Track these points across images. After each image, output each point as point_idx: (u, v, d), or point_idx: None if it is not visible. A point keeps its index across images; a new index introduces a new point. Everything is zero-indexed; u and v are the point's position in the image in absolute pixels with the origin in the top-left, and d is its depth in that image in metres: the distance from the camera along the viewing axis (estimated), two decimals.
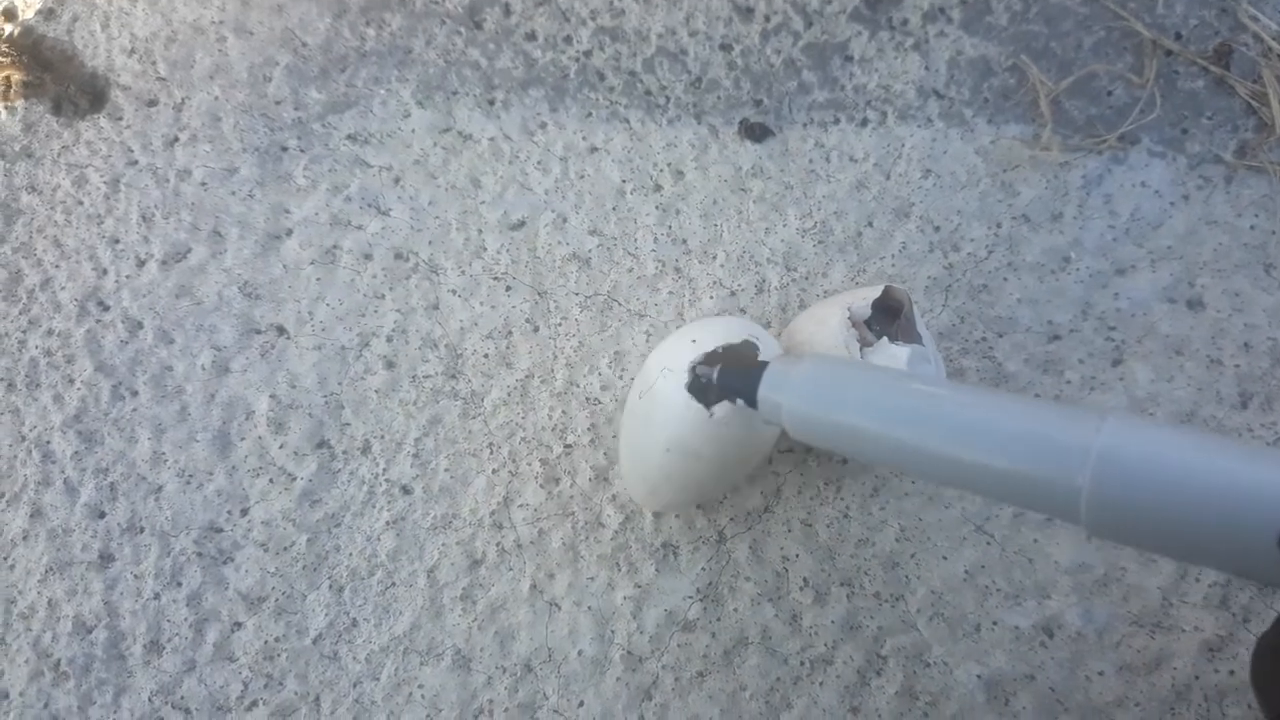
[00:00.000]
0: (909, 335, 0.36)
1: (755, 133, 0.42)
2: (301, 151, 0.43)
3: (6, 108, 0.43)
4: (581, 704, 0.36)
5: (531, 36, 0.44)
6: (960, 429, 0.23)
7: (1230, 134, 0.42)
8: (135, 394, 0.40)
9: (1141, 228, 0.41)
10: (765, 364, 0.28)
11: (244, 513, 0.39)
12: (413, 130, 0.43)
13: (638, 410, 0.33)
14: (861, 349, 0.34)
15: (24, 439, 0.40)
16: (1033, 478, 0.21)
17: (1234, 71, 0.42)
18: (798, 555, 0.38)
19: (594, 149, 0.42)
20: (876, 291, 0.36)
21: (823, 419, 0.26)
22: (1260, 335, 0.40)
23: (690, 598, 0.37)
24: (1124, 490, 0.19)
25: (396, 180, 0.42)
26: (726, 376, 0.30)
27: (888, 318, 0.37)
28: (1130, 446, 0.19)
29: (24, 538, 0.39)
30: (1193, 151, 0.42)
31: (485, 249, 0.41)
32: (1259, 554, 0.17)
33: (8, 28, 0.43)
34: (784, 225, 0.41)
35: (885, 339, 0.35)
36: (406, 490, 0.39)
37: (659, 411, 0.31)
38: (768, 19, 0.43)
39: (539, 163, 0.42)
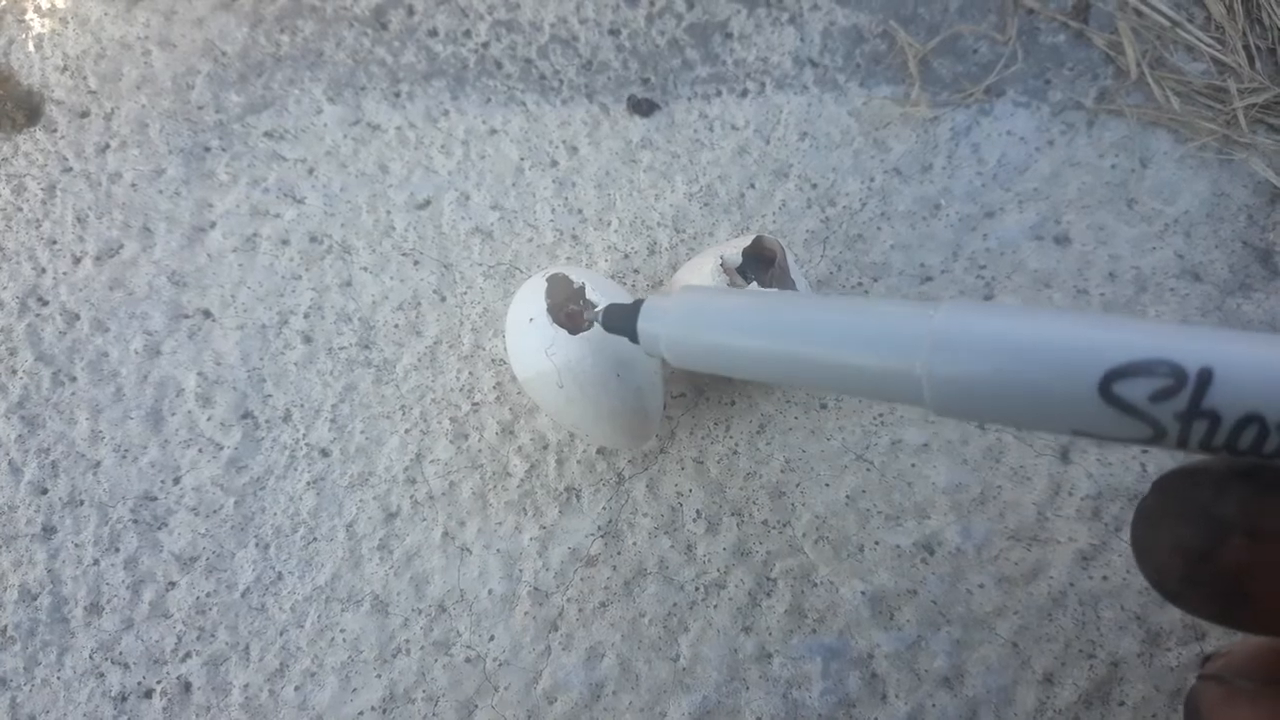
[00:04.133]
0: (783, 282, 0.44)
1: (643, 108, 0.51)
2: (223, 150, 0.52)
3: None
4: (492, 638, 0.44)
5: (433, 33, 0.53)
6: (812, 332, 0.26)
7: (1090, 82, 0.50)
8: (74, 379, 0.48)
9: (1008, 173, 0.49)
10: (641, 300, 0.34)
11: (176, 481, 0.47)
12: (325, 124, 0.52)
13: (545, 368, 0.40)
14: None
15: None
16: (879, 368, 0.24)
17: (1092, 25, 0.51)
18: (691, 490, 0.45)
19: (493, 131, 0.51)
20: (748, 241, 0.43)
21: (695, 342, 0.31)
22: (1124, 265, 0.47)
23: (592, 535, 0.45)
24: (959, 367, 0.21)
25: (310, 171, 0.51)
26: (609, 316, 0.36)
27: (762, 266, 0.44)
28: (961, 325, 0.21)
29: None
30: (1055, 100, 0.50)
31: (394, 228, 0.50)
32: (1085, 404, 0.19)
33: None
34: (672, 191, 0.50)
35: (754, 284, 0.42)
36: (325, 453, 0.47)
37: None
38: (652, 3, 0.52)
39: (442, 147, 0.51)
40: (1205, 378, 0.17)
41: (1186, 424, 0.17)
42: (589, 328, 0.39)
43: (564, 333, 0.39)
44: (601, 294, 0.40)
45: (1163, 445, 0.19)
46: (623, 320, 0.35)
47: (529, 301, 0.40)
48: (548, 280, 0.40)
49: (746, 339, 0.29)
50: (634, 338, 0.35)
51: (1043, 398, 0.20)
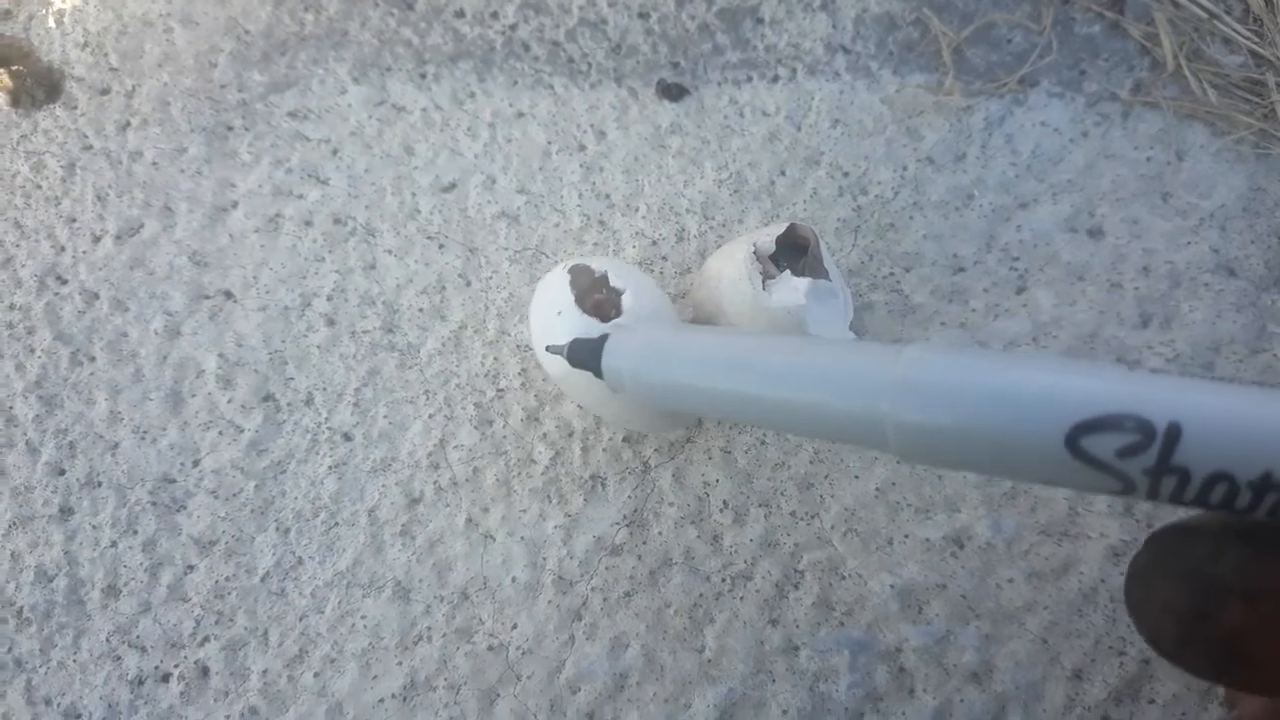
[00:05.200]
0: (816, 271, 0.43)
1: (673, 93, 0.50)
2: (246, 130, 0.51)
3: None
4: (515, 626, 0.43)
5: (460, 14, 0.52)
6: (776, 373, 0.26)
7: (1126, 73, 0.49)
8: (93, 359, 0.48)
9: (1042, 164, 0.48)
10: (605, 337, 0.34)
11: (195, 464, 0.46)
12: (349, 105, 0.51)
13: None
14: (764, 281, 0.41)
15: None
16: (843, 412, 0.24)
17: (1128, 15, 0.50)
18: (718, 480, 0.45)
19: (520, 114, 0.50)
20: (782, 228, 0.42)
21: (659, 380, 0.31)
22: (1158, 259, 0.47)
23: (617, 524, 0.44)
24: (923, 413, 0.21)
25: (334, 152, 0.50)
26: (575, 351, 0.35)
27: (795, 254, 0.44)
28: (926, 372, 0.21)
29: None
30: (1090, 91, 0.49)
31: (419, 211, 0.49)
32: (1051, 458, 0.19)
33: None
34: (701, 177, 0.49)
35: (788, 272, 0.42)
36: (347, 437, 0.46)
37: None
38: None
39: (468, 129, 0.50)
40: (1174, 434, 0.17)
41: (1155, 480, 0.17)
42: (618, 314, 0.39)
43: (596, 321, 0.38)
44: (623, 280, 0.40)
45: (1133, 498, 0.19)
46: (588, 355, 0.35)
47: (555, 295, 0.40)
48: (569, 272, 0.40)
49: (711, 379, 0.29)
50: (599, 373, 0.34)
51: (1009, 449, 0.19)
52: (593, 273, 0.41)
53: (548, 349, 0.39)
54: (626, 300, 0.39)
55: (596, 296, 0.41)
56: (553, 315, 0.39)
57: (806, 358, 0.26)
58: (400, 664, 0.44)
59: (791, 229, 0.43)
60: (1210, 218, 0.48)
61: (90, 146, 0.53)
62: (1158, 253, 0.48)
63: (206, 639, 0.45)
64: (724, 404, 0.29)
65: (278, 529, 0.46)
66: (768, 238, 0.43)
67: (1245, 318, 0.46)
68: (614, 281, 0.40)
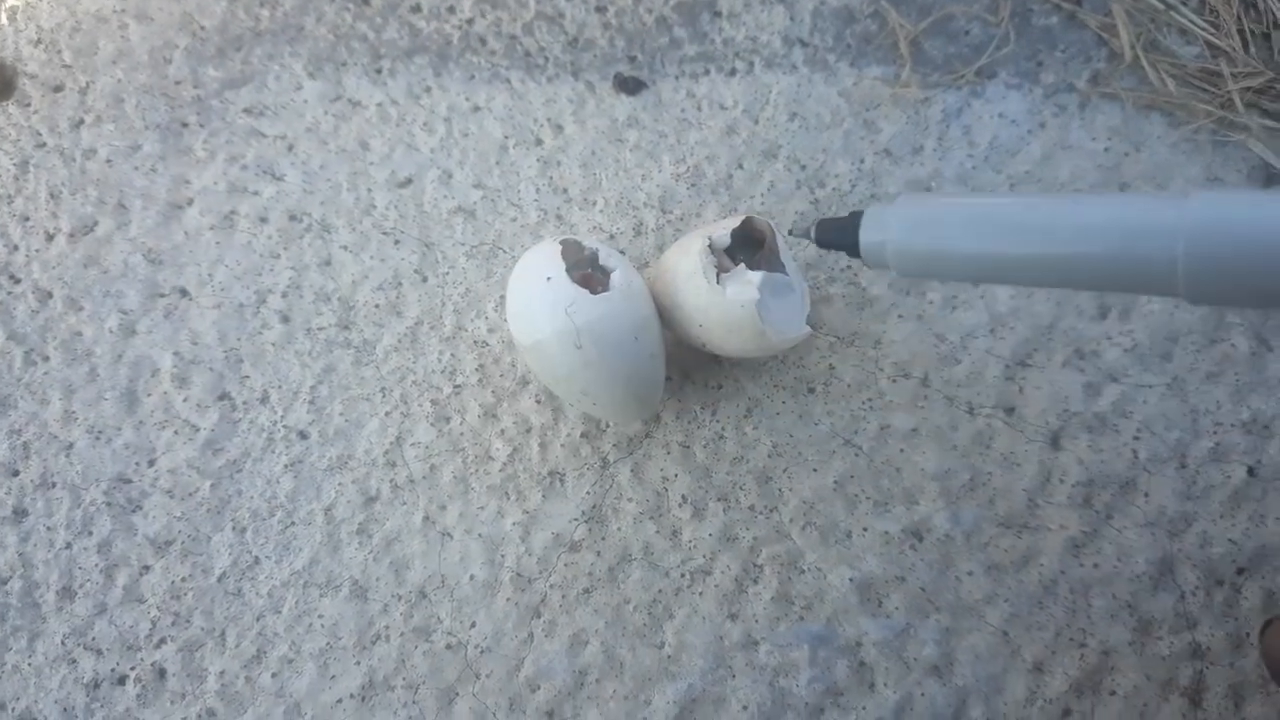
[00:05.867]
0: (772, 264, 0.43)
1: (629, 86, 0.50)
2: (201, 126, 0.51)
3: None
4: (474, 625, 0.43)
5: (416, 9, 0.52)
6: (1057, 230, 0.27)
7: (1083, 64, 0.49)
8: (46, 359, 0.47)
9: (1000, 155, 0.48)
10: (859, 213, 0.33)
11: (151, 463, 0.46)
12: (305, 100, 0.51)
13: (563, 340, 0.38)
14: (719, 275, 0.41)
15: None
16: (1130, 259, 0.25)
17: (1085, 6, 0.50)
18: (676, 475, 0.44)
19: (477, 108, 0.50)
20: (738, 222, 0.42)
21: (928, 250, 0.30)
22: None
23: (576, 520, 0.44)
24: (1220, 252, 0.23)
25: (290, 148, 0.50)
26: (823, 230, 0.35)
27: (752, 248, 0.43)
28: (1217, 212, 0.23)
29: None
30: (1047, 82, 0.49)
31: (374, 206, 0.49)
32: None
33: None
34: (659, 171, 0.49)
35: (743, 265, 0.41)
36: (303, 435, 0.46)
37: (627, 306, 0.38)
38: None
39: (424, 124, 0.50)
40: None
41: None
42: (604, 290, 0.39)
43: (585, 292, 0.38)
44: (612, 260, 0.40)
45: None
46: (840, 233, 0.34)
47: (543, 263, 0.39)
48: (561, 244, 0.40)
49: (984, 244, 0.29)
50: (854, 251, 0.33)
51: None
52: (583, 248, 0.41)
53: (791, 231, 0.38)
54: (616, 278, 0.39)
55: (585, 271, 0.41)
56: (540, 280, 0.39)
57: (1084, 211, 0.26)
58: (358, 663, 0.44)
59: (748, 222, 0.43)
60: None
61: (44, 144, 0.52)
62: None
63: (163, 640, 0.45)
64: (1002, 267, 0.29)
65: (234, 528, 0.46)
66: (723, 231, 0.43)
67: (1203, 308, 0.46)
68: (603, 260, 0.40)
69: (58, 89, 0.53)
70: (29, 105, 0.53)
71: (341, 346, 0.48)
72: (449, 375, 0.47)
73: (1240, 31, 0.49)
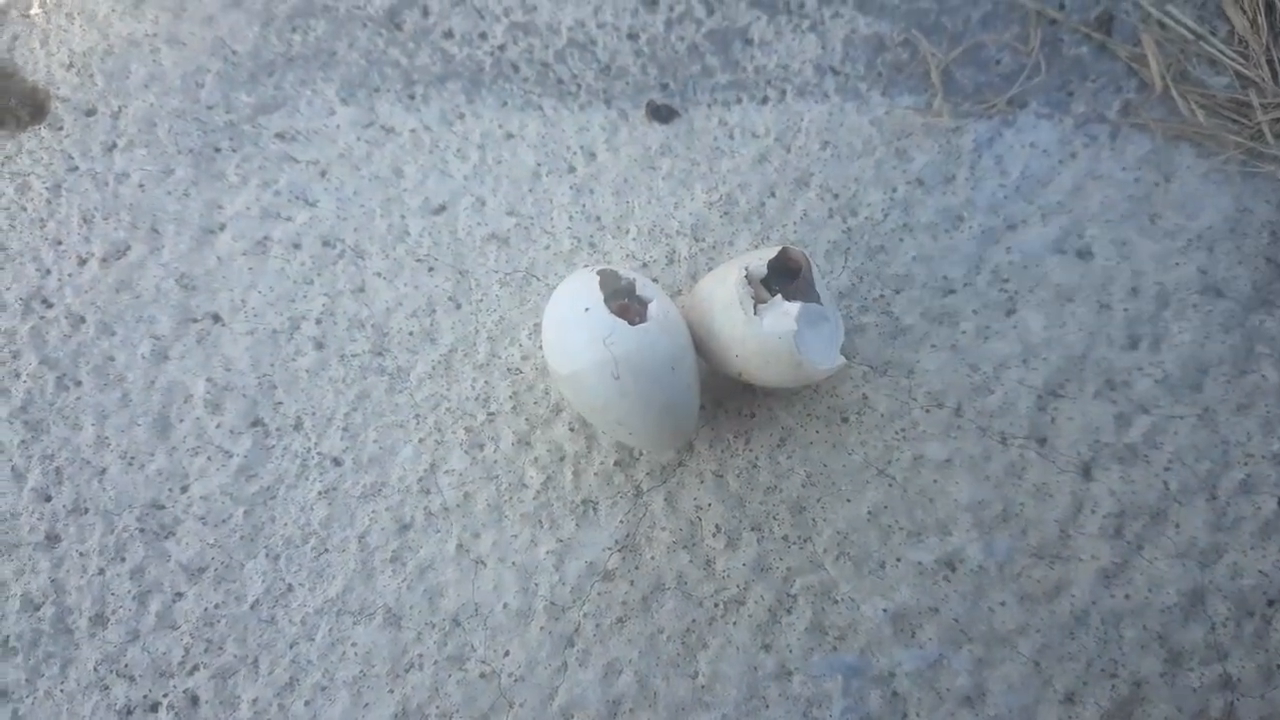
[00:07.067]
0: (807, 295, 0.43)
1: (662, 114, 0.50)
2: (233, 151, 0.51)
3: None
4: (507, 653, 0.43)
5: (449, 34, 0.52)
6: None
7: (1114, 95, 0.50)
8: (79, 384, 0.47)
9: (1031, 185, 0.48)
10: None
11: (184, 490, 0.46)
12: (337, 126, 0.51)
13: (601, 366, 0.38)
14: (756, 305, 0.41)
15: None
16: None
17: (1115, 37, 0.50)
18: (710, 504, 0.44)
19: (510, 135, 0.50)
20: (774, 252, 0.42)
21: None
22: (1147, 280, 0.47)
23: (609, 549, 0.44)
24: None
25: (323, 173, 0.50)
26: None
27: (787, 278, 0.44)
28: None
29: None
30: (1078, 112, 0.49)
31: (408, 233, 0.49)
32: None
33: None
34: (691, 199, 0.49)
35: (779, 296, 0.41)
36: (337, 462, 0.46)
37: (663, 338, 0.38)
38: (671, 8, 0.51)
39: (458, 150, 0.50)
40: None
41: None
42: (642, 320, 0.39)
43: (623, 323, 0.38)
44: (648, 291, 0.40)
45: None
46: None
47: (582, 292, 0.40)
48: (598, 274, 0.40)
49: None
50: None
51: None
52: (620, 278, 0.41)
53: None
54: (653, 309, 0.40)
55: (622, 301, 0.41)
56: (578, 310, 0.39)
57: None
58: (392, 692, 0.44)
59: (784, 253, 0.43)
60: (1198, 239, 0.48)
61: (76, 168, 0.52)
62: (1146, 274, 0.48)
63: (196, 667, 0.45)
64: None
65: (267, 555, 0.46)
66: (759, 261, 0.43)
67: (1233, 339, 0.46)
68: (640, 291, 0.40)
69: (90, 113, 0.53)
70: (61, 129, 0.53)
71: (375, 373, 0.48)
72: (483, 403, 0.47)
73: (1270, 62, 0.50)
